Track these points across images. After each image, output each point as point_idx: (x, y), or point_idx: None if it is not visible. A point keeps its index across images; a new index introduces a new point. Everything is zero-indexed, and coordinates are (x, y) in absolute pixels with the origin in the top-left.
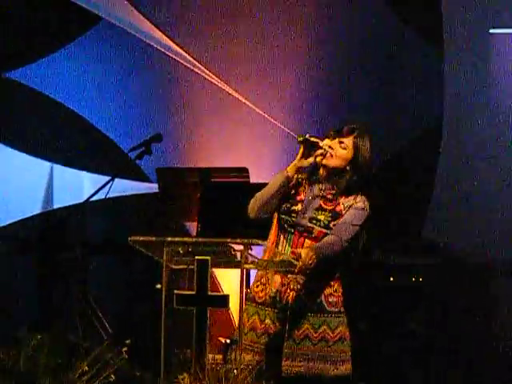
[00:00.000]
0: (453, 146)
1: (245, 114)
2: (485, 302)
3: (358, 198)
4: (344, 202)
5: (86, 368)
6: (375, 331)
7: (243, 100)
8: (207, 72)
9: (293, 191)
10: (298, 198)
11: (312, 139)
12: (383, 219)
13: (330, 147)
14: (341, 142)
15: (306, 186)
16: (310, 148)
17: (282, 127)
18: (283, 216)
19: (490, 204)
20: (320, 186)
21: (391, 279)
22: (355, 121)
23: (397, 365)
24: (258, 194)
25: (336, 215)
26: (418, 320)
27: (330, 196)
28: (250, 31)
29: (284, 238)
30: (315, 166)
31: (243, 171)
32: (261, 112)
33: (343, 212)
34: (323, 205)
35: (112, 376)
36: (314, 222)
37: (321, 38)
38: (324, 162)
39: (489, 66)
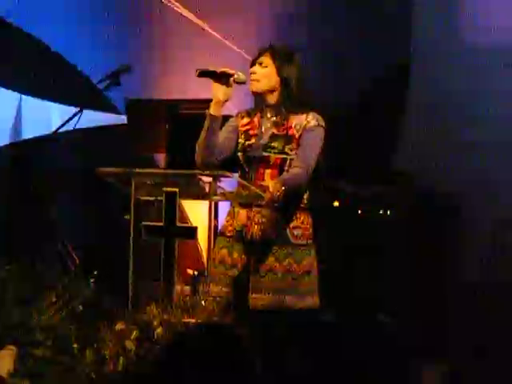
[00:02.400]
0: (423, 80)
1: (214, 45)
2: (457, 232)
3: (310, 116)
4: (295, 123)
5: (54, 299)
6: (343, 263)
7: (213, 33)
8: (177, 4)
9: (246, 127)
10: (251, 132)
11: (212, 69)
12: (352, 150)
13: (252, 73)
14: (260, 64)
15: (257, 120)
16: (224, 79)
17: (251, 59)
18: (239, 153)
19: (461, 138)
20: (268, 114)
21: (359, 212)
22: None
23: (366, 296)
24: (197, 143)
25: (289, 138)
26: (387, 251)
27: (279, 120)
28: None
29: (247, 173)
30: (260, 100)
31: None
32: (230, 45)
33: (297, 135)
34: (276, 131)
35: (80, 307)
36: (269, 150)
37: None
38: (252, 89)
39: (460, 2)
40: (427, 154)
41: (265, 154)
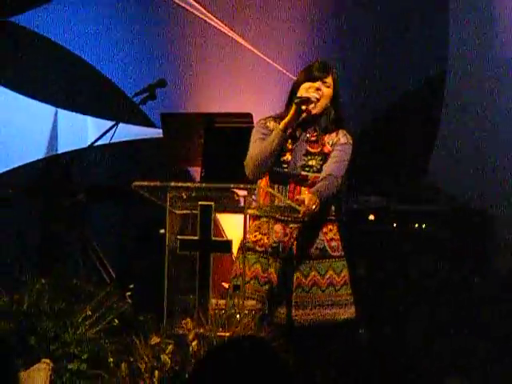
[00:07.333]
0: (456, 97)
1: (248, 59)
2: (486, 249)
3: (340, 134)
4: (328, 140)
5: (90, 312)
6: (376, 277)
7: (247, 45)
8: (211, 17)
9: None
10: (285, 146)
11: (304, 95)
12: (386, 166)
13: (317, 90)
14: (324, 82)
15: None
16: (305, 104)
17: (285, 72)
18: (275, 168)
19: (492, 154)
20: (303, 129)
21: (394, 225)
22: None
23: (396, 311)
24: (254, 155)
25: (325, 157)
26: (420, 267)
27: (314, 138)
28: None
29: (278, 188)
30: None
31: (247, 117)
32: (264, 57)
33: (331, 151)
34: (310, 149)
35: (115, 320)
36: (307, 169)
37: None
38: (313, 111)
39: (492, 16)
40: (460, 170)
41: (303, 173)
